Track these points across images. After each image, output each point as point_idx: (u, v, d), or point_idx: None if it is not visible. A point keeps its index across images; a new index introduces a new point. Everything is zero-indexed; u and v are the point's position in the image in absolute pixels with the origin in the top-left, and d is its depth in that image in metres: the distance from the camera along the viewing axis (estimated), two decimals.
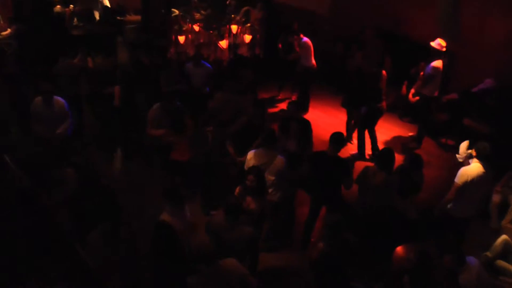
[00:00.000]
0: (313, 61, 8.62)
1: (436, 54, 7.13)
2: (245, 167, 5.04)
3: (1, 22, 9.50)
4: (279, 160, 5.09)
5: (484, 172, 4.77)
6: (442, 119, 7.80)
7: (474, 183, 4.76)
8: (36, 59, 8.16)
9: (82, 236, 4.30)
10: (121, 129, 7.20)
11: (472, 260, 4.11)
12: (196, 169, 6.04)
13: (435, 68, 7.11)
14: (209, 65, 7.30)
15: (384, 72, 7.15)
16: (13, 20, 8.91)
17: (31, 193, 5.18)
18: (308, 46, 8.51)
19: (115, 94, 7.10)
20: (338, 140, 5.12)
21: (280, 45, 8.88)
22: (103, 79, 7.15)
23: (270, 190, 5.04)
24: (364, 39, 8.77)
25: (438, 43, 7.13)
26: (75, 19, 9.85)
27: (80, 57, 7.26)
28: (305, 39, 8.49)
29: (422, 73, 7.42)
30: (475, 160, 4.85)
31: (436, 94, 7.39)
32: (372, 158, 7.09)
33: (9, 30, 8.92)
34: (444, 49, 7.13)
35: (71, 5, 10.02)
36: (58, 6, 10.05)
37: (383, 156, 5.09)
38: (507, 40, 7.53)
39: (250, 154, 5.13)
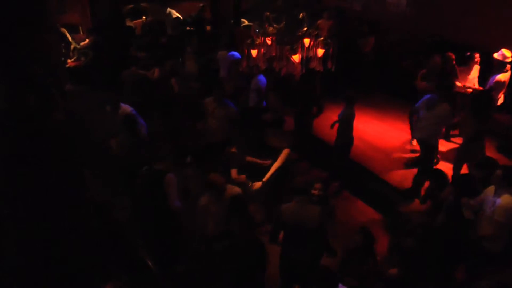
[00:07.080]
0: None
1: (499, 66, 6.80)
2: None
3: (81, 32, 10.06)
4: (444, 106, 6.04)
5: None
6: None
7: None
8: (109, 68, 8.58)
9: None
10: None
11: None
12: None
13: (498, 82, 6.82)
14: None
15: None
16: (91, 31, 9.41)
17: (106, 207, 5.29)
18: None
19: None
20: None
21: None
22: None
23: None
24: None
25: (501, 53, 6.78)
26: None
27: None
28: None
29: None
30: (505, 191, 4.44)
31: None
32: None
33: (87, 41, 9.44)
34: (508, 60, 6.75)
35: (143, 17, 10.48)
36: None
37: None
38: None
39: (424, 100, 6.27)
